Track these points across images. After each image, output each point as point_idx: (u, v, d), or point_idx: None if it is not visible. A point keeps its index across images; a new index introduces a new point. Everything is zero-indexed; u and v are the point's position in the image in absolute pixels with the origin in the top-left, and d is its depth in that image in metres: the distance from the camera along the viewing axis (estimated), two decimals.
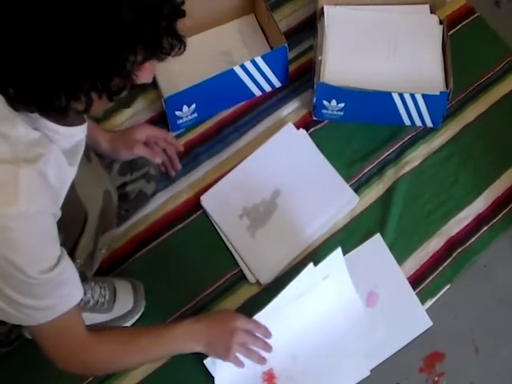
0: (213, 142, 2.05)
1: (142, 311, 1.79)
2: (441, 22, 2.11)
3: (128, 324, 1.77)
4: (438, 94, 1.94)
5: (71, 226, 1.36)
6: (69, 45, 1.01)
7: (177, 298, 1.81)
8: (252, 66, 2.00)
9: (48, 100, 1.09)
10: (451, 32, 2.17)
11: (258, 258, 1.86)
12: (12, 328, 1.54)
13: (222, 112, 2.11)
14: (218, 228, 1.91)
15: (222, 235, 1.90)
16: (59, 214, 1.22)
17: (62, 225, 1.25)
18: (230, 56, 2.16)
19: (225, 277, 1.86)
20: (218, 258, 1.88)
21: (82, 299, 1.34)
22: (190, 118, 2.04)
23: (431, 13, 2.15)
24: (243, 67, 1.99)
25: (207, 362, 1.67)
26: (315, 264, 1.68)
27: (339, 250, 1.72)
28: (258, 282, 1.84)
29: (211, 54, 2.16)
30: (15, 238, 1.12)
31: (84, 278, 1.52)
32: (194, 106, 2.00)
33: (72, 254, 1.40)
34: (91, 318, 1.73)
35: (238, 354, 1.60)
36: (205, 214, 1.94)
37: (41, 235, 1.17)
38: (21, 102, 1.11)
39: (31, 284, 1.18)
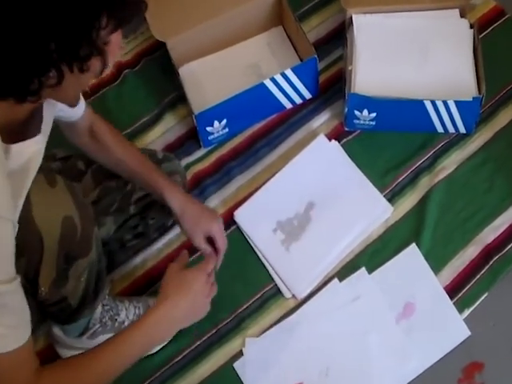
0: (245, 157, 2.06)
1: None
2: (471, 26, 2.09)
3: (164, 342, 1.77)
4: (471, 99, 1.92)
5: (30, 252, 1.33)
6: (34, 12, 1.01)
7: (212, 314, 1.79)
8: (282, 78, 2.00)
9: (21, 84, 1.09)
10: (482, 35, 2.15)
11: (293, 271, 1.86)
12: None
13: (253, 126, 2.11)
14: (251, 243, 1.92)
15: (256, 250, 1.91)
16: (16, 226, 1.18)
17: (22, 249, 1.23)
18: (260, 69, 2.16)
19: (260, 292, 1.86)
20: (252, 273, 1.89)
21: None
22: (221, 133, 2.04)
23: (461, 17, 2.12)
24: (273, 80, 1.99)
25: (237, 365, 1.67)
26: (340, 280, 1.75)
27: (363, 269, 1.80)
28: (293, 297, 1.84)
29: (240, 67, 2.18)
30: None
31: (70, 308, 1.52)
32: (224, 121, 2.01)
33: (36, 281, 1.37)
34: None
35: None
36: (238, 229, 1.94)
37: None
38: None
39: None
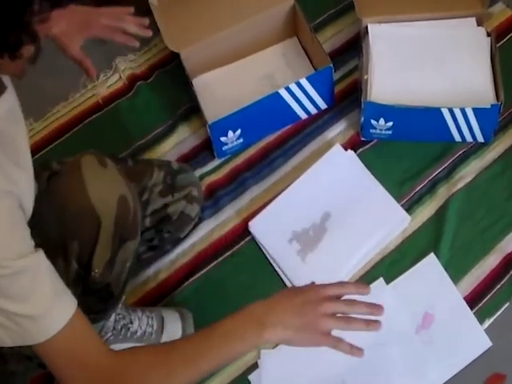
0: (259, 167, 2.04)
1: None
2: (488, 34, 2.06)
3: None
4: (489, 106, 1.89)
5: (85, 234, 1.32)
6: None
7: None
8: (297, 87, 1.98)
9: None
10: (499, 44, 2.12)
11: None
12: None
13: (268, 137, 2.09)
14: (267, 254, 1.89)
15: (272, 261, 1.87)
16: (25, 195, 1.15)
17: (76, 232, 1.24)
18: (274, 80, 2.14)
19: None
20: (267, 284, 1.85)
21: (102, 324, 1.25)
22: (235, 143, 2.02)
23: (478, 25, 2.10)
24: (288, 90, 1.97)
25: (252, 377, 1.65)
26: None
27: (381, 280, 1.80)
28: None
29: (255, 78, 2.16)
30: None
31: (111, 296, 1.49)
32: (239, 131, 1.98)
33: (89, 264, 1.36)
34: None
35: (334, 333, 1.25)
36: (253, 240, 1.91)
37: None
38: None
39: (4, 276, 1.06)
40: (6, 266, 1.06)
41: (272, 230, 1.90)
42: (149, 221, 1.75)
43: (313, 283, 1.29)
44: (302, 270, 1.84)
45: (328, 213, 1.91)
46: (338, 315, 1.25)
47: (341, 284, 1.29)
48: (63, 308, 1.15)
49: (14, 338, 1.12)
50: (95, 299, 1.48)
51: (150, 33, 1.69)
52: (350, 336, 1.71)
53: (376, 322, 1.25)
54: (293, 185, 1.96)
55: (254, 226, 1.91)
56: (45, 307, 1.12)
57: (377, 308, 1.27)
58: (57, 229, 1.27)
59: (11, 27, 1.00)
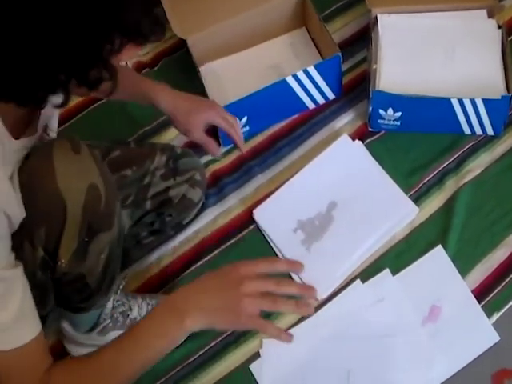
0: (265, 156, 2.01)
1: None
2: (499, 27, 2.03)
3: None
4: (500, 97, 1.86)
5: (51, 221, 1.28)
6: (43, 40, 0.97)
7: None
8: (304, 76, 1.95)
9: (25, 95, 1.06)
10: (511, 38, 2.10)
11: (314, 272, 1.78)
12: None
13: (275, 125, 2.06)
14: (271, 243, 1.86)
15: (276, 250, 1.85)
16: (14, 215, 1.16)
17: (41, 219, 1.21)
18: (282, 70, 2.11)
19: None
20: (271, 274, 1.80)
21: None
22: (241, 131, 1.99)
23: (489, 17, 2.07)
24: (295, 77, 1.94)
25: (254, 366, 1.63)
26: (363, 281, 1.75)
27: (387, 271, 1.78)
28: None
29: (262, 68, 2.14)
30: None
31: (87, 287, 1.45)
32: (245, 118, 1.96)
33: (56, 252, 1.31)
34: None
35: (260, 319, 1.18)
36: (257, 229, 1.89)
37: None
38: None
39: None
40: None
41: (277, 218, 1.87)
42: (150, 203, 1.73)
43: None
44: (307, 260, 1.80)
45: (334, 202, 1.89)
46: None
47: (268, 260, 1.22)
48: (22, 330, 1.14)
49: None
50: (71, 290, 1.45)
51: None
52: (356, 326, 1.71)
53: (308, 305, 1.19)
54: (299, 173, 1.93)
55: (259, 213, 1.89)
56: (6, 322, 1.11)
57: (310, 290, 1.21)
58: (25, 212, 1.23)
59: (92, 63, 1.03)
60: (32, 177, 1.25)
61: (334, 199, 1.89)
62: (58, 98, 1.10)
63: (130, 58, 1.13)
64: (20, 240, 1.22)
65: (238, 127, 1.78)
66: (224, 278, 1.18)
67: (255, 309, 1.15)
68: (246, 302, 1.14)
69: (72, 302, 1.53)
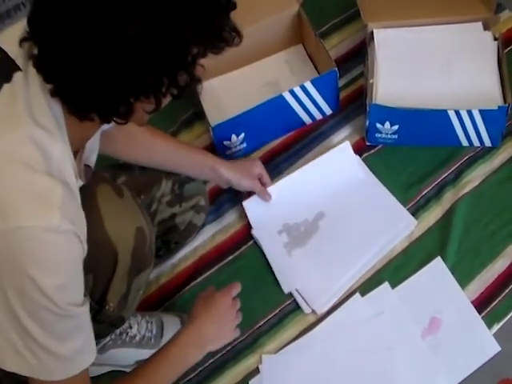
0: None
1: None
2: (495, 39, 2.04)
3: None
4: (496, 108, 1.86)
5: (101, 267, 1.30)
6: (135, 40, 0.98)
7: None
8: (301, 91, 1.95)
9: (113, 104, 1.06)
10: (507, 50, 2.11)
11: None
12: None
13: (272, 141, 2.07)
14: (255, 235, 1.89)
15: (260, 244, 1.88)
16: (85, 248, 1.13)
17: (91, 265, 1.17)
18: (280, 86, 2.12)
19: (278, 307, 1.79)
20: (270, 288, 1.82)
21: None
22: (239, 148, 2.00)
23: (484, 30, 2.08)
24: (292, 93, 1.95)
25: (253, 382, 1.67)
26: (362, 295, 1.76)
27: (386, 284, 1.77)
28: (313, 312, 1.77)
29: (260, 85, 2.14)
30: (41, 251, 1.03)
31: (123, 322, 1.48)
32: (242, 135, 1.96)
33: (104, 298, 1.34)
34: (138, 354, 1.69)
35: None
36: (255, 246, 1.89)
37: (69, 258, 1.08)
38: (82, 110, 1.07)
39: (52, 312, 1.07)
40: (63, 307, 1.08)
41: (265, 215, 1.89)
42: (156, 230, 1.71)
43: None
44: (287, 263, 1.84)
45: (322, 213, 1.90)
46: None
47: (230, 288, 1.55)
48: (83, 360, 1.18)
49: (30, 368, 1.12)
50: (107, 325, 1.46)
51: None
52: (356, 340, 1.70)
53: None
54: (293, 173, 1.94)
55: (249, 205, 1.90)
56: (72, 353, 1.14)
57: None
58: None
59: (181, 65, 1.04)
60: None
61: (322, 209, 1.90)
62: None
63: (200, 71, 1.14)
64: None
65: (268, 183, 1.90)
66: (218, 311, 1.50)
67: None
68: (233, 324, 1.52)
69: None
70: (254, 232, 1.89)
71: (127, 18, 0.96)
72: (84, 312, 1.15)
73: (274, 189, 1.90)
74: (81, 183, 1.21)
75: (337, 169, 1.94)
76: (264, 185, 1.87)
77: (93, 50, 0.98)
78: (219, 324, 1.48)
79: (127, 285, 1.37)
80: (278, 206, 1.89)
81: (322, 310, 1.76)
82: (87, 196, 1.26)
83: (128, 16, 0.96)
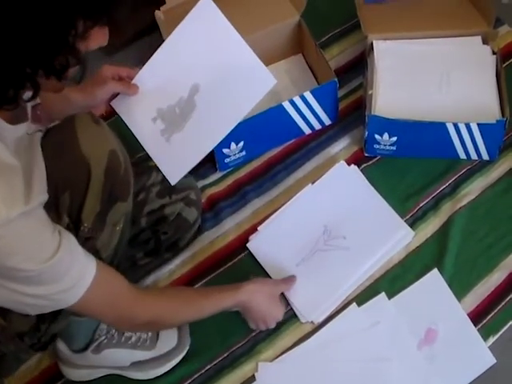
0: (261, 181, 2.02)
1: (186, 349, 1.73)
2: (494, 53, 2.05)
3: (173, 363, 1.72)
4: (494, 122, 1.87)
5: (75, 185, 1.34)
6: (4, 33, 1.00)
7: (224, 337, 1.75)
8: (301, 101, 1.96)
9: (14, 78, 1.09)
10: (505, 64, 2.12)
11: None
12: (42, 327, 1.46)
13: (271, 150, 2.08)
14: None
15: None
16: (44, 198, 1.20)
17: (67, 183, 1.30)
18: (279, 96, 2.11)
19: None
20: None
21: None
22: (238, 156, 2.00)
23: (483, 44, 2.09)
24: (292, 103, 1.95)
25: None
26: (359, 305, 1.77)
27: (383, 294, 1.78)
28: (310, 321, 1.77)
29: None
30: (4, 244, 1.11)
31: (96, 252, 1.44)
32: (242, 143, 1.97)
33: (79, 217, 1.36)
34: (133, 355, 1.70)
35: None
36: (250, 254, 1.89)
37: (29, 234, 1.15)
38: None
39: (39, 274, 1.17)
40: (36, 269, 1.16)
41: (135, 107, 1.76)
42: (145, 221, 1.74)
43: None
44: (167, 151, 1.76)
45: (197, 85, 1.74)
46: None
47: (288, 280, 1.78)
48: (88, 271, 1.26)
49: (47, 309, 1.27)
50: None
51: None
52: (352, 350, 1.70)
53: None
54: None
55: (117, 103, 1.77)
56: (75, 280, 1.23)
57: None
58: (49, 183, 1.26)
59: (57, 50, 1.06)
60: (56, 146, 1.34)
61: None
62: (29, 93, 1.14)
63: (99, 44, 1.15)
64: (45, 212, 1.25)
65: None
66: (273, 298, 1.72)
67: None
68: (271, 320, 1.72)
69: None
70: (250, 242, 1.90)
71: None
72: (65, 249, 1.20)
73: (141, 77, 1.73)
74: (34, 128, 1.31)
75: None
76: (129, 78, 1.72)
77: None
78: (271, 296, 1.69)
79: (101, 204, 1.39)
80: (149, 93, 1.75)
81: (318, 319, 1.76)
82: (66, 121, 1.39)
83: None
